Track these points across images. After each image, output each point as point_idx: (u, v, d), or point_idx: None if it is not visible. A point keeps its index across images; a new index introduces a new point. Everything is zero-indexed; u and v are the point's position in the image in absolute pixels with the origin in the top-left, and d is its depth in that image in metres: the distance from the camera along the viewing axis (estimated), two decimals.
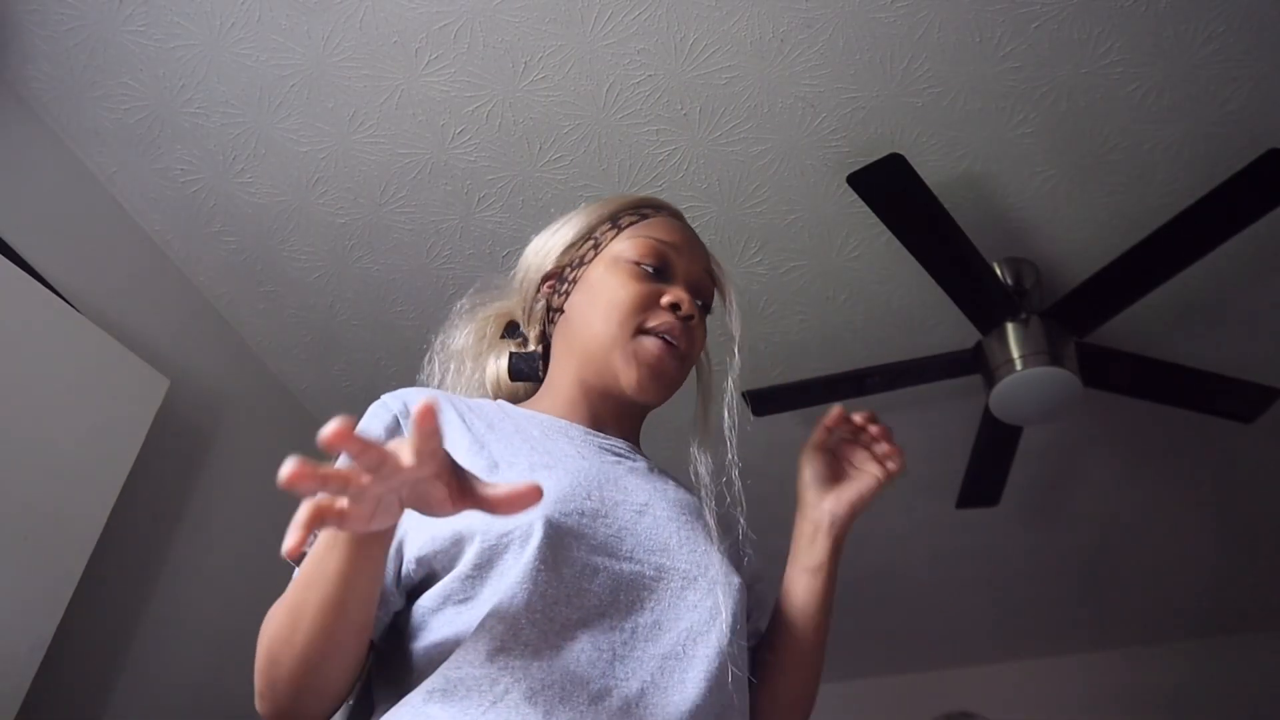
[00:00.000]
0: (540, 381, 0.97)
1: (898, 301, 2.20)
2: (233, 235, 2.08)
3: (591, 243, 0.96)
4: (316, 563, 0.67)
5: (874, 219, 1.87)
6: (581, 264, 0.95)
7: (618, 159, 1.90)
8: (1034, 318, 1.98)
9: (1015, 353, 1.96)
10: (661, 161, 1.90)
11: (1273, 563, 3.04)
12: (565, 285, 0.96)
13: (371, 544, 0.65)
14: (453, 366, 0.99)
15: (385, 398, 0.85)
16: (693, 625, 0.75)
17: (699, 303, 0.94)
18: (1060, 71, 1.72)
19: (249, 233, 2.07)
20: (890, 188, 1.75)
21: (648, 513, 0.81)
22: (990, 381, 2.01)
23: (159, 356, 1.96)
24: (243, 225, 2.05)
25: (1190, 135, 1.82)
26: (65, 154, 1.88)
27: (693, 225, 1.02)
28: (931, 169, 1.85)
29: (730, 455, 0.88)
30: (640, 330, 0.89)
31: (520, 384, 0.98)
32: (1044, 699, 3.47)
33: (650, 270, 0.92)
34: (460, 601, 0.72)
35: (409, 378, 0.97)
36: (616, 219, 0.97)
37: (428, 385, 0.98)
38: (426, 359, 1.00)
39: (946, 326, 2.21)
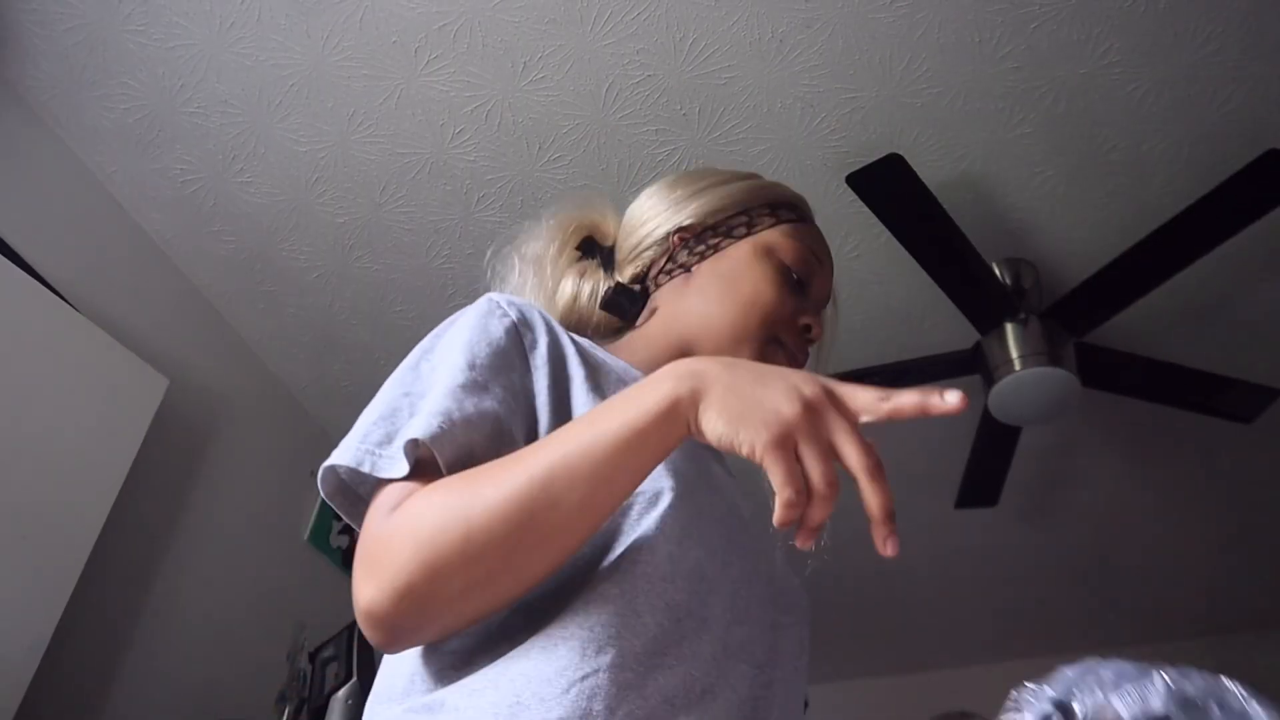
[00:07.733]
0: (626, 322, 0.92)
1: (897, 301, 2.20)
2: (232, 235, 2.08)
3: (745, 218, 0.91)
4: (589, 460, 0.59)
5: (873, 219, 1.87)
6: (729, 235, 0.91)
7: (617, 159, 1.90)
8: (1033, 318, 1.98)
9: (1014, 353, 1.96)
10: (661, 161, 1.90)
11: (1273, 563, 3.04)
12: (702, 247, 0.90)
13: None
14: (532, 273, 0.93)
15: (496, 298, 0.77)
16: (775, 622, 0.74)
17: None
18: (1060, 72, 1.72)
19: (248, 232, 2.07)
20: (889, 188, 1.75)
21: (734, 510, 0.78)
22: (989, 381, 2.01)
23: (158, 356, 1.96)
24: (242, 225, 2.05)
25: (1190, 135, 1.82)
26: (65, 154, 1.88)
27: None
28: (930, 169, 1.85)
29: None
30: (772, 337, 0.86)
31: (595, 315, 0.93)
32: None
33: (797, 279, 0.89)
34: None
35: None
36: (776, 209, 0.93)
37: (503, 290, 0.90)
38: (492, 259, 0.95)
39: (946, 326, 2.21)
